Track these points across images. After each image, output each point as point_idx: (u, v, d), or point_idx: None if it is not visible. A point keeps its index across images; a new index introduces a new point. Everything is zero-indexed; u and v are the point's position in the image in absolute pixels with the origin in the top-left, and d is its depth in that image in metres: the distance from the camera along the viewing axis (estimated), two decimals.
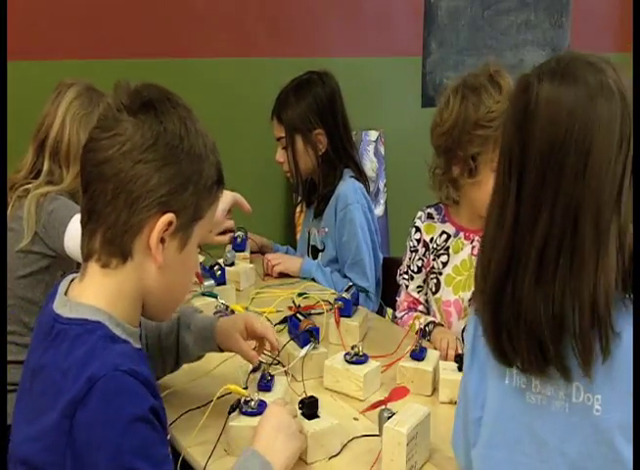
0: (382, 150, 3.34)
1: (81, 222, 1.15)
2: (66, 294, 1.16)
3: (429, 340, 1.91)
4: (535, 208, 1.04)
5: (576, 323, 1.02)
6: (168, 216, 1.11)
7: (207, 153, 1.15)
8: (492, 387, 1.14)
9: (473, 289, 1.89)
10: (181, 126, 1.12)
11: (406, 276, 2.08)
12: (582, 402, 1.06)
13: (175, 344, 1.57)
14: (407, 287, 2.08)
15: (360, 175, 2.48)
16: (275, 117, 2.43)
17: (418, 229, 2.06)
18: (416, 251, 2.06)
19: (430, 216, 2.04)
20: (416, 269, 2.06)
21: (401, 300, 2.11)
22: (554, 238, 1.03)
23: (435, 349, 1.81)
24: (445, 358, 1.77)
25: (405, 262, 2.09)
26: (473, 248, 1.93)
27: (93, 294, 1.13)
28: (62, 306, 1.13)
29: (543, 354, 1.06)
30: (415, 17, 3.37)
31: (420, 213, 2.07)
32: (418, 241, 2.05)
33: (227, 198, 2.03)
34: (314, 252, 2.56)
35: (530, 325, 1.05)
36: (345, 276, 2.42)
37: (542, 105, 1.04)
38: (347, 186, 2.42)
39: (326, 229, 2.48)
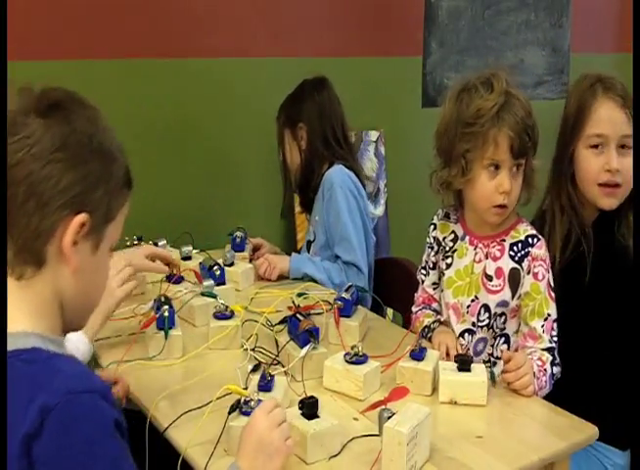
0: (382, 150, 3.33)
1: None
2: None
3: (429, 338, 1.91)
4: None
5: None
6: (82, 217, 1.08)
7: (117, 153, 1.15)
8: None
9: (473, 295, 1.91)
10: (91, 126, 1.11)
11: (424, 271, 2.08)
12: None
13: None
14: (423, 282, 2.08)
15: (354, 171, 2.52)
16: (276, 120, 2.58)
17: (435, 226, 2.06)
18: (432, 247, 2.06)
19: (447, 215, 2.04)
20: (431, 265, 2.06)
21: (418, 295, 2.11)
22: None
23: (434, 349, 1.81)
24: (446, 358, 1.77)
25: (424, 258, 2.09)
26: (475, 254, 1.93)
27: (17, 315, 1.08)
28: None
29: None
30: (415, 17, 3.37)
31: (439, 211, 2.07)
32: (434, 238, 2.06)
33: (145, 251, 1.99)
34: (308, 246, 2.59)
35: None
36: (336, 257, 2.45)
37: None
38: (335, 171, 2.47)
39: (316, 217, 2.52)
